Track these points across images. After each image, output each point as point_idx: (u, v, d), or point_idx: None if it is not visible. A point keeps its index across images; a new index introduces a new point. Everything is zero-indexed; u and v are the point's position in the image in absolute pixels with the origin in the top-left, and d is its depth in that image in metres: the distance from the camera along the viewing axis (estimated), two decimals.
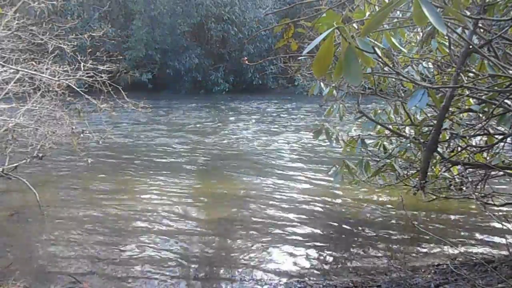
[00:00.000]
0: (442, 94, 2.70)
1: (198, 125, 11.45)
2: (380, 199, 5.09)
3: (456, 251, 3.58)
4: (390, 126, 3.73)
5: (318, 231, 4.23)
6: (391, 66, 2.68)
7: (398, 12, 2.61)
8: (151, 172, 6.47)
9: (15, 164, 5.68)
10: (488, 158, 3.48)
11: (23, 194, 5.07)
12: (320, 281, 3.21)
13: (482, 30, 2.47)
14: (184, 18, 19.65)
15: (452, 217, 4.58)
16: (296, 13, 13.28)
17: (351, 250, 3.81)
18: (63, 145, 6.22)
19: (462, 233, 4.14)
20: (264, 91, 20.92)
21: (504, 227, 3.58)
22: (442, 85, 3.03)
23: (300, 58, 4.58)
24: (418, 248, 3.79)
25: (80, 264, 3.50)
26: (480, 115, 3.06)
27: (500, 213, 4.22)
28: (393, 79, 3.49)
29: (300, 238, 4.04)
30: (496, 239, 3.95)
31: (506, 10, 2.50)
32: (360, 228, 4.30)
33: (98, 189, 5.54)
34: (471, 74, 2.82)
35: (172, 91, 20.25)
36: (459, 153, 3.53)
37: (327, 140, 3.91)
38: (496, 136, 3.04)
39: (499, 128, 3.09)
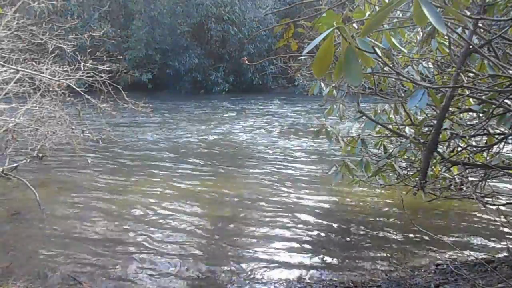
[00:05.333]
0: (442, 94, 2.70)
1: (198, 125, 11.44)
2: (380, 199, 5.09)
3: (456, 251, 3.58)
4: (390, 126, 3.72)
5: (318, 231, 4.23)
6: (391, 66, 2.68)
7: (398, 12, 2.61)
8: (151, 171, 6.47)
9: (15, 164, 5.69)
10: (488, 158, 3.48)
11: (23, 194, 5.07)
12: (320, 281, 3.22)
13: (482, 30, 2.47)
14: (184, 18, 19.63)
15: (452, 217, 4.58)
16: (296, 13, 13.28)
17: (351, 250, 3.81)
18: (63, 145, 6.22)
19: (463, 233, 4.14)
20: (264, 91, 20.91)
21: (504, 227, 3.58)
22: (442, 85, 3.03)
23: (300, 58, 4.58)
24: (418, 248, 3.79)
25: (80, 264, 3.50)
26: (480, 115, 3.05)
27: (500, 213, 4.22)
28: (393, 79, 3.48)
29: (300, 238, 4.04)
30: (496, 239, 3.95)
31: (506, 10, 2.50)
32: (360, 228, 4.30)
33: (98, 189, 5.53)
34: (471, 74, 2.82)
35: (172, 91, 20.24)
36: (459, 153, 3.53)
37: (326, 140, 3.91)
38: (496, 136, 3.04)
39: (499, 128, 3.09)
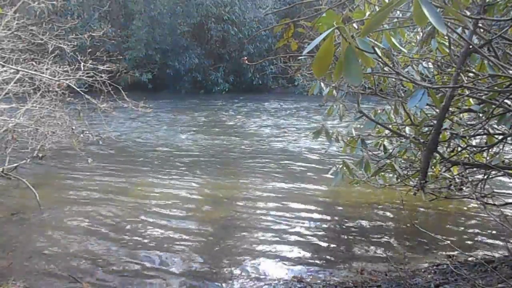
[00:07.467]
0: (442, 94, 2.70)
1: (198, 126, 11.45)
2: (380, 199, 5.09)
3: (456, 251, 3.58)
4: (390, 126, 3.72)
5: (318, 231, 4.23)
6: (391, 66, 2.68)
7: (398, 12, 2.61)
8: (151, 172, 6.48)
9: (15, 164, 5.69)
10: (488, 158, 3.48)
11: (23, 194, 5.07)
12: (320, 281, 3.22)
13: (482, 30, 2.47)
14: (184, 18, 19.63)
15: (452, 217, 4.58)
16: (296, 13, 13.27)
17: (351, 250, 3.81)
18: (63, 145, 6.23)
19: (462, 233, 4.14)
20: (264, 91, 20.89)
21: (504, 227, 3.57)
22: (442, 85, 3.03)
23: (300, 58, 4.58)
24: (418, 248, 3.79)
25: (80, 264, 3.50)
26: (480, 115, 3.05)
27: (500, 213, 4.22)
28: (393, 79, 3.48)
29: (300, 238, 4.04)
30: (496, 239, 3.95)
31: (506, 10, 2.50)
32: (360, 228, 4.30)
33: (98, 189, 5.54)
34: (471, 74, 2.82)
35: (172, 91, 20.24)
36: (459, 153, 3.53)
37: (326, 140, 3.91)
38: (496, 136, 3.04)
39: (499, 128, 3.09)
